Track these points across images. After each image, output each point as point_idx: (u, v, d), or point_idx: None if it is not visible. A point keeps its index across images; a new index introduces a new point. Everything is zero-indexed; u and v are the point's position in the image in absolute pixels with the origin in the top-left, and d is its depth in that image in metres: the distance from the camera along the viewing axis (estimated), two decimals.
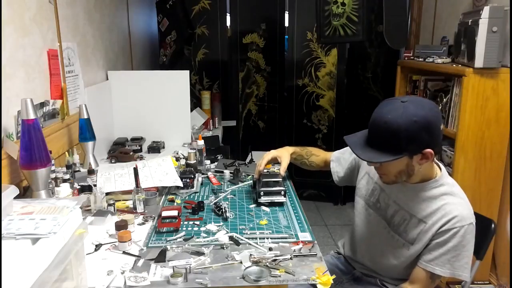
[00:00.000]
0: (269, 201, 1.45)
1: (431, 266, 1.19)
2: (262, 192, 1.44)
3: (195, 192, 1.57)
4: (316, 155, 1.63)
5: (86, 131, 1.78)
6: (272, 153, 1.62)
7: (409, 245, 1.25)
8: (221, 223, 1.30)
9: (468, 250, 1.19)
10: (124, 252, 1.12)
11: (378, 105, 1.21)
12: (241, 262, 1.07)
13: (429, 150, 1.14)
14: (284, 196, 1.46)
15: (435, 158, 1.22)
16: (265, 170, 1.55)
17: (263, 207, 1.43)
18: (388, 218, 1.31)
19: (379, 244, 1.34)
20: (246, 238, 1.19)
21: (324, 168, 1.61)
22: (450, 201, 1.21)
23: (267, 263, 1.06)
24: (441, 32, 2.76)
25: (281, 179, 1.50)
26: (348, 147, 1.45)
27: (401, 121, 1.10)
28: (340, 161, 1.54)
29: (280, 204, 1.46)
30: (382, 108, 1.17)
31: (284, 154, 1.62)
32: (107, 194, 1.42)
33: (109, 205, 1.36)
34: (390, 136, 1.12)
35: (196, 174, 1.64)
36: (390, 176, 1.23)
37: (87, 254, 1.07)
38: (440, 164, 1.30)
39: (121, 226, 1.20)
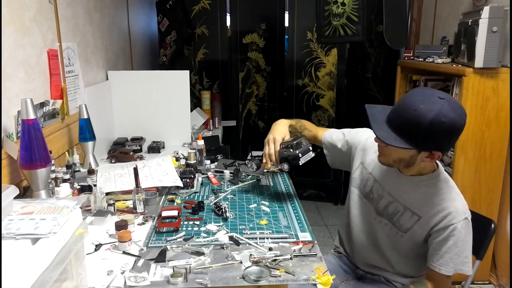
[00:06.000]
0: (306, 160, 1.42)
1: (438, 266, 1.20)
2: (300, 154, 1.39)
3: (195, 192, 1.57)
4: (308, 129, 1.58)
5: (86, 131, 1.78)
6: (275, 135, 1.48)
7: (402, 233, 1.26)
8: (221, 223, 1.30)
9: (466, 244, 1.19)
10: (124, 252, 1.12)
11: (409, 91, 1.18)
12: (241, 262, 1.07)
13: (439, 152, 1.14)
14: (313, 151, 1.45)
15: None
16: (282, 147, 1.45)
17: (263, 207, 1.43)
18: (381, 209, 1.31)
19: (373, 233, 1.34)
20: (246, 238, 1.19)
21: (314, 143, 1.57)
22: (445, 197, 1.21)
23: (267, 263, 1.06)
24: (441, 32, 2.76)
25: (297, 140, 1.44)
26: (342, 138, 1.48)
27: (430, 115, 1.07)
28: (331, 150, 1.52)
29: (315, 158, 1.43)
30: (416, 95, 1.14)
31: (284, 130, 1.52)
32: (107, 194, 1.42)
33: (109, 205, 1.36)
34: (413, 124, 1.09)
35: (196, 174, 1.64)
36: (388, 159, 1.23)
37: (87, 254, 1.07)
38: None
39: (121, 226, 1.20)
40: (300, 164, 1.39)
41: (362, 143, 1.43)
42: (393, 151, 1.19)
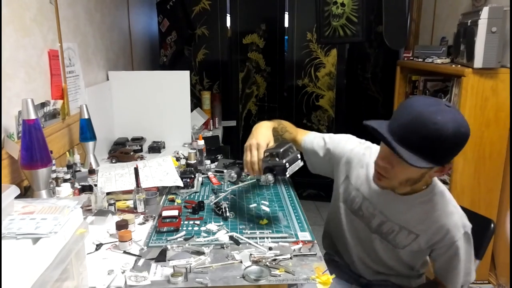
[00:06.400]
0: (293, 171, 1.22)
1: (444, 280, 1.21)
2: (287, 164, 1.19)
3: (195, 192, 1.57)
4: (289, 132, 1.43)
5: (86, 131, 1.78)
6: (258, 140, 1.27)
7: (400, 249, 1.23)
8: (221, 223, 1.30)
9: (470, 257, 1.20)
10: (124, 252, 1.12)
11: (407, 100, 1.06)
12: (241, 262, 1.07)
13: (450, 164, 1.07)
14: (302, 159, 1.26)
15: None
16: (266, 155, 1.24)
17: (263, 207, 1.43)
18: (374, 227, 1.25)
19: (372, 249, 1.28)
20: (246, 237, 1.19)
21: (295, 146, 1.39)
22: (442, 212, 1.16)
23: (267, 263, 1.06)
24: (441, 32, 2.76)
25: (284, 146, 1.24)
26: (323, 145, 1.36)
27: (450, 127, 0.97)
28: (311, 157, 1.40)
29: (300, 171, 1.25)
30: (427, 105, 1.01)
31: (269, 135, 1.32)
32: (107, 194, 1.43)
33: (110, 204, 1.37)
34: (434, 140, 0.98)
35: (196, 174, 1.64)
36: (392, 182, 1.12)
37: (87, 253, 1.07)
38: None
39: (121, 225, 1.20)
40: (287, 176, 1.20)
41: (346, 155, 1.32)
42: (401, 173, 1.08)
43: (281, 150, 1.21)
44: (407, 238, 1.20)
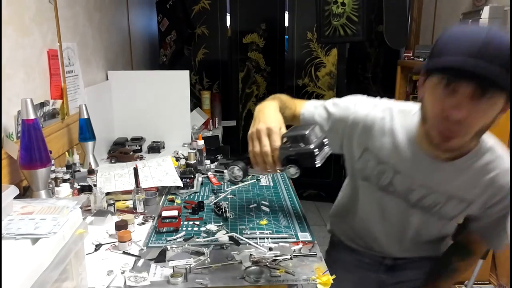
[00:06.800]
0: (324, 158, 0.96)
1: (487, 238, 1.09)
2: (316, 149, 0.93)
3: (195, 192, 1.57)
4: (289, 108, 1.15)
5: (86, 131, 1.78)
6: (269, 124, 0.97)
7: (446, 221, 1.07)
8: (221, 223, 1.30)
9: None
10: (124, 252, 1.12)
11: (448, 34, 0.88)
12: (241, 262, 1.07)
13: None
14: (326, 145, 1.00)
15: None
16: (284, 140, 0.97)
17: (263, 207, 1.43)
18: (413, 202, 1.06)
19: (405, 225, 1.11)
20: (246, 238, 1.19)
21: (292, 123, 1.17)
22: (499, 172, 0.98)
23: (267, 263, 1.06)
24: (441, 32, 2.75)
25: (310, 126, 0.98)
26: (326, 117, 1.12)
27: (506, 40, 0.80)
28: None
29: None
30: (476, 27, 0.87)
31: (279, 118, 1.02)
32: (107, 194, 1.42)
33: (109, 205, 1.36)
34: (507, 59, 0.79)
35: (196, 174, 1.64)
36: (465, 137, 0.89)
37: (87, 254, 1.07)
38: None
39: (121, 226, 1.20)
40: (317, 165, 0.93)
41: (360, 123, 1.08)
42: (476, 121, 0.85)
43: (306, 132, 0.93)
44: (457, 207, 1.03)
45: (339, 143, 1.14)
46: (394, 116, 1.06)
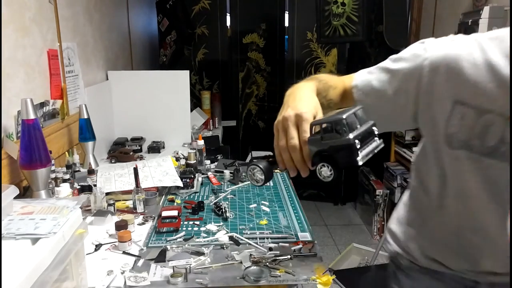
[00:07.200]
0: (369, 154, 0.74)
1: None
2: (356, 140, 0.70)
3: (195, 192, 1.57)
4: (333, 86, 0.92)
5: (86, 131, 1.78)
6: (300, 110, 0.77)
7: None
8: (221, 223, 1.30)
9: None
10: (124, 252, 1.12)
11: None
12: (241, 262, 1.07)
13: None
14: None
15: None
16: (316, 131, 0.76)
17: (263, 207, 1.43)
18: None
19: None
20: (246, 238, 1.19)
21: (345, 104, 0.92)
22: None
23: (267, 263, 1.06)
24: (441, 32, 2.76)
25: (351, 110, 0.76)
26: (387, 80, 0.86)
27: None
28: (376, 108, 0.87)
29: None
30: None
31: (315, 102, 0.82)
32: (107, 194, 1.42)
33: (109, 205, 1.36)
34: None
35: (196, 174, 1.64)
36: None
37: (87, 254, 1.07)
38: None
39: (121, 226, 1.20)
40: (359, 163, 0.71)
41: (441, 66, 0.78)
42: None
43: (343, 116, 0.71)
44: None
45: (412, 109, 0.83)
46: (485, 47, 0.76)
